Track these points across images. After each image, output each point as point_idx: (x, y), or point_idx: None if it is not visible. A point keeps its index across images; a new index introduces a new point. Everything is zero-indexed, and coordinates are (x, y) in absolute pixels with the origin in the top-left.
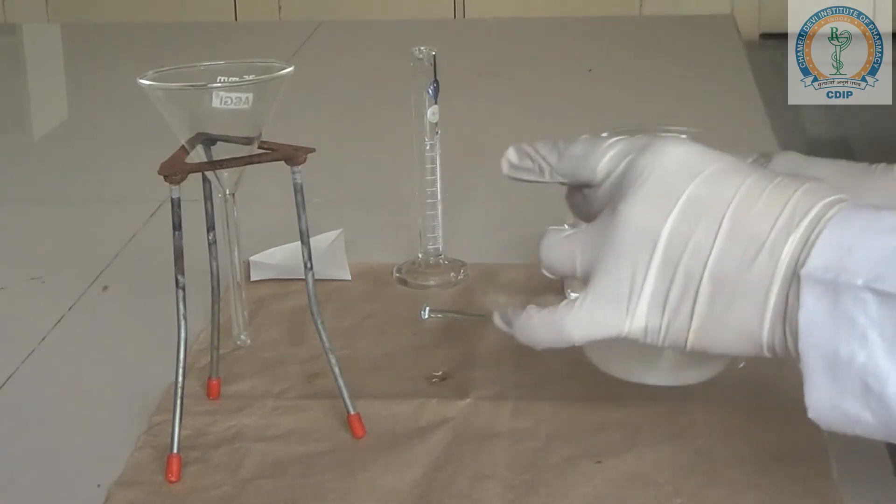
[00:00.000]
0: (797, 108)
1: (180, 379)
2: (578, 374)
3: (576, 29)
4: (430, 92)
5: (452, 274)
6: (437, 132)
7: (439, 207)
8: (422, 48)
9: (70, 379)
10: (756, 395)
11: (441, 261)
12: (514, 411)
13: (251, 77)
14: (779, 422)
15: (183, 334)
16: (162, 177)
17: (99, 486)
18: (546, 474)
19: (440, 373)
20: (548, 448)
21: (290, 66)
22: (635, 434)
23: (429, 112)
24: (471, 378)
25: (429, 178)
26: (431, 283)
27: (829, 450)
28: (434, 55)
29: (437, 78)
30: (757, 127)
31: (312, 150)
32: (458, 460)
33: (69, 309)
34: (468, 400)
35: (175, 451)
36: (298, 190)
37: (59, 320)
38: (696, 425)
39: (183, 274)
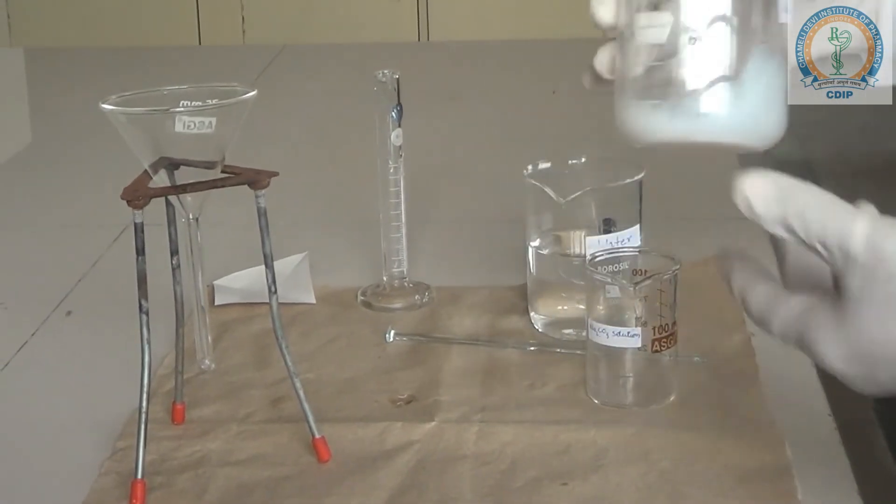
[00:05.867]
0: None
1: (144, 404)
2: (544, 397)
3: (539, 51)
4: (394, 115)
5: (417, 297)
6: (400, 155)
7: (403, 230)
8: (385, 71)
9: (33, 405)
10: (720, 416)
11: (405, 284)
12: (479, 434)
13: (214, 101)
14: (742, 443)
15: (147, 359)
16: (125, 201)
17: None
18: (511, 497)
19: (405, 396)
20: (513, 471)
21: (253, 90)
22: (600, 456)
23: (392, 135)
24: (436, 401)
25: (393, 201)
26: (396, 305)
27: (794, 470)
28: (397, 78)
29: (401, 101)
30: None
31: (276, 174)
32: (424, 484)
33: (32, 334)
34: (433, 423)
35: (139, 476)
36: (262, 214)
37: (23, 346)
38: (660, 448)
39: (146, 299)
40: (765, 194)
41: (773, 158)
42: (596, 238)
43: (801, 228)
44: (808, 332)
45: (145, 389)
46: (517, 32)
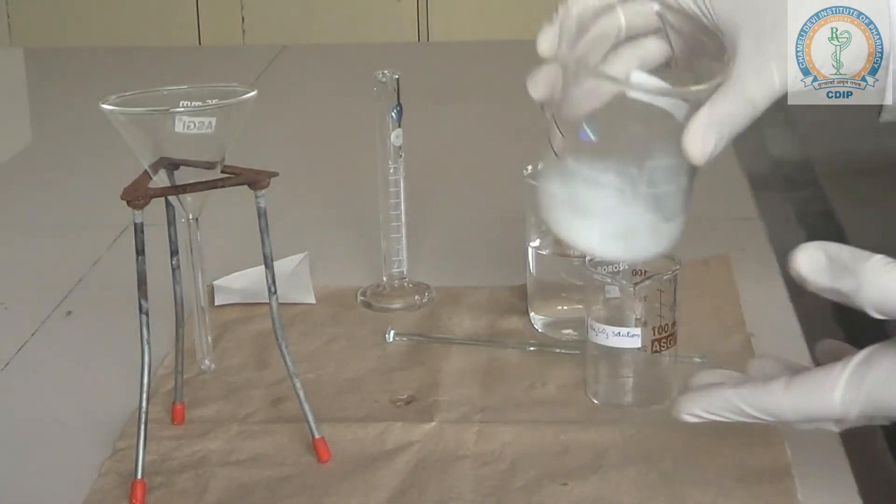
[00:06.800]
0: (759, 129)
1: (144, 404)
2: (543, 398)
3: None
4: (394, 115)
5: (417, 297)
6: (400, 155)
7: (403, 230)
8: (385, 71)
9: (33, 405)
10: None
11: (405, 284)
12: (479, 434)
13: (214, 101)
14: (743, 443)
15: (146, 359)
16: (125, 201)
17: None
18: (511, 497)
19: (405, 396)
20: (513, 471)
21: (253, 91)
22: (601, 456)
23: (392, 135)
24: (436, 401)
25: (393, 201)
26: (396, 306)
27: (794, 470)
28: (397, 79)
29: (401, 101)
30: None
31: (276, 174)
32: (424, 484)
33: (32, 335)
34: (433, 423)
35: (139, 476)
36: (262, 214)
37: (22, 346)
38: (661, 447)
39: (146, 299)
40: (816, 268)
41: (773, 158)
42: None
43: (858, 302)
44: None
45: (145, 389)
46: (517, 32)
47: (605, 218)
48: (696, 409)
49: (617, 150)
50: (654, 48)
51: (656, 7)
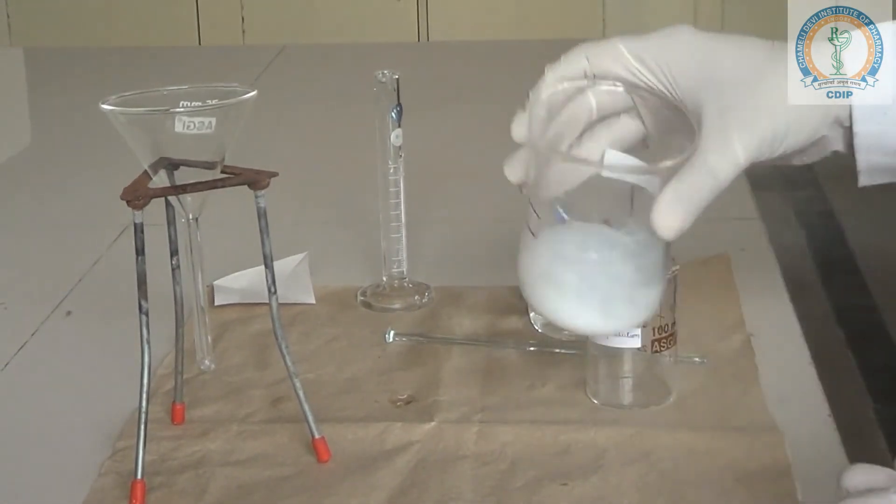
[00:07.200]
0: None
1: (144, 404)
2: (543, 398)
3: (539, 51)
4: (394, 115)
5: (417, 297)
6: (400, 155)
7: (403, 230)
8: (385, 72)
9: (33, 405)
10: (720, 417)
11: (405, 284)
12: (479, 434)
13: (214, 101)
14: (742, 443)
15: (146, 359)
16: (125, 201)
17: None
18: (511, 497)
19: (405, 396)
20: (513, 471)
21: (253, 91)
22: (601, 456)
23: (392, 135)
24: (436, 401)
25: (393, 201)
26: (396, 306)
27: (794, 470)
28: (397, 79)
29: (401, 101)
30: None
31: (275, 175)
32: (424, 484)
33: (32, 335)
34: (433, 423)
35: (139, 476)
36: (262, 214)
37: (23, 346)
38: (660, 448)
39: (146, 299)
40: None
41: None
42: None
43: None
44: None
45: (145, 389)
46: (517, 32)
47: (581, 292)
48: None
49: (591, 228)
50: (627, 127)
51: (622, 88)
